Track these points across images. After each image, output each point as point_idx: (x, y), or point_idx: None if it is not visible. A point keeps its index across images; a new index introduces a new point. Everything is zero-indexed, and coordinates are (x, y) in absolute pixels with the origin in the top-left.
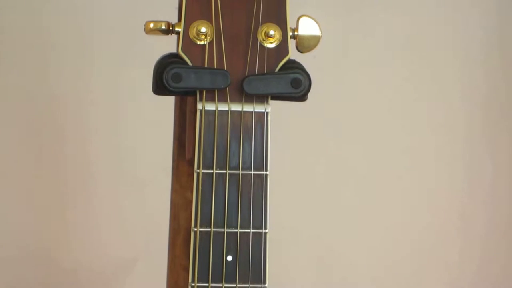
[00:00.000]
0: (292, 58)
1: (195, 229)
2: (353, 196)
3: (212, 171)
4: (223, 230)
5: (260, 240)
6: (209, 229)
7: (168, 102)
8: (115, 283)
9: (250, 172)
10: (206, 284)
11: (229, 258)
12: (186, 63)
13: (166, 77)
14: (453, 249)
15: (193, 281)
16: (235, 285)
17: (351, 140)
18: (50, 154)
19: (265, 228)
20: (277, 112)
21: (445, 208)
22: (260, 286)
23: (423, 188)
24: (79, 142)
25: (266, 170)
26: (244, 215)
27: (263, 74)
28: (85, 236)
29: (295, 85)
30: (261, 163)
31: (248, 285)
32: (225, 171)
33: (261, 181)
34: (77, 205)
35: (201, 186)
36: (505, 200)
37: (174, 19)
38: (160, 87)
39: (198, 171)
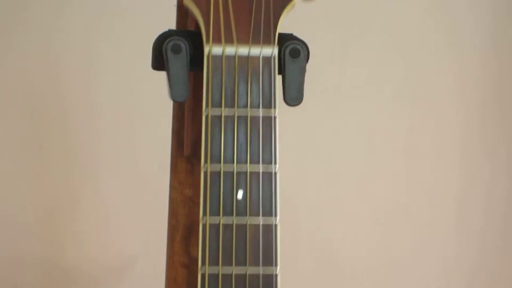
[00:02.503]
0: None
1: (205, 169)
2: (352, 195)
3: (220, 111)
4: (232, 169)
5: (270, 177)
6: (218, 169)
7: (167, 99)
8: (114, 280)
9: (259, 110)
10: (217, 220)
11: (240, 194)
12: (185, 36)
13: (166, 47)
14: (450, 247)
15: (204, 214)
16: (246, 221)
17: (350, 139)
18: (49, 153)
19: (275, 164)
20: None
21: (443, 207)
22: (271, 218)
23: (421, 187)
24: (78, 140)
25: (275, 108)
26: (253, 155)
27: None
28: (84, 234)
29: (293, 54)
30: (269, 103)
31: (259, 217)
32: (233, 111)
33: (269, 121)
34: (76, 203)
35: (210, 127)
36: (502, 199)
37: (174, 18)
38: (158, 61)
39: (207, 113)
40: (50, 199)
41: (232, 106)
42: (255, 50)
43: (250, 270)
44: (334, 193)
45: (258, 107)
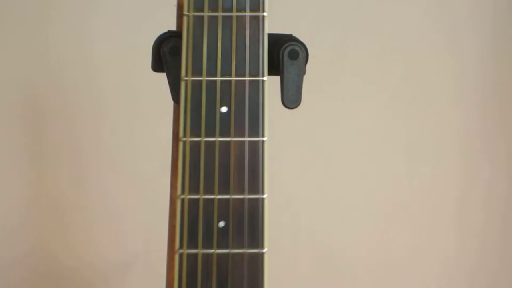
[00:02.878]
0: (290, 33)
1: (186, 78)
2: (352, 195)
3: (203, 13)
4: (215, 78)
5: (256, 89)
6: (201, 78)
7: (168, 100)
8: (115, 280)
9: (246, 13)
10: (199, 139)
11: (224, 109)
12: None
13: (164, 50)
14: (450, 247)
15: (184, 136)
16: (230, 139)
17: (349, 140)
18: (50, 153)
19: (263, 76)
20: (277, 113)
21: (443, 207)
22: (258, 139)
23: (421, 187)
24: (78, 140)
25: (263, 11)
26: (239, 62)
27: None
28: (85, 233)
29: (291, 56)
30: (257, 4)
31: (244, 139)
32: (217, 13)
33: (257, 23)
34: (77, 202)
35: (192, 31)
36: (502, 199)
37: (174, 17)
38: (158, 63)
39: (188, 14)
40: (51, 199)
41: (216, 8)
42: None
43: (234, 196)
44: (334, 193)
45: (245, 9)
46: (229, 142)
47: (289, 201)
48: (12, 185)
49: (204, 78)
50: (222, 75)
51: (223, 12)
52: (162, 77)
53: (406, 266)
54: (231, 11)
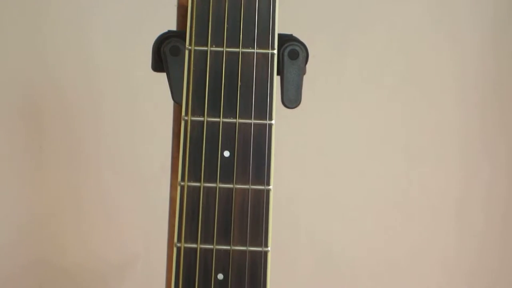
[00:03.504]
0: (290, 33)
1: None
2: (352, 195)
3: (206, 48)
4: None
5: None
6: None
7: (168, 99)
8: (114, 280)
9: (253, 50)
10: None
11: (226, 153)
12: (183, 37)
13: (164, 50)
14: (450, 247)
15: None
16: (232, 186)
17: (349, 140)
18: (50, 153)
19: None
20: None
21: (443, 207)
22: (263, 187)
23: (421, 187)
24: (79, 141)
25: (273, 48)
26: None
27: None
28: (85, 233)
29: (292, 56)
30: (266, 41)
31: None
32: (222, 49)
33: (266, 61)
34: (76, 203)
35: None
36: (502, 199)
37: (174, 17)
38: (158, 63)
39: (190, 48)
40: (51, 199)
41: (221, 43)
42: None
43: (235, 247)
44: (333, 193)
45: (253, 46)
46: (231, 189)
47: (289, 201)
48: (12, 185)
49: (205, 119)
50: (224, 118)
51: (227, 47)
52: (162, 77)
53: (406, 266)
54: (237, 46)
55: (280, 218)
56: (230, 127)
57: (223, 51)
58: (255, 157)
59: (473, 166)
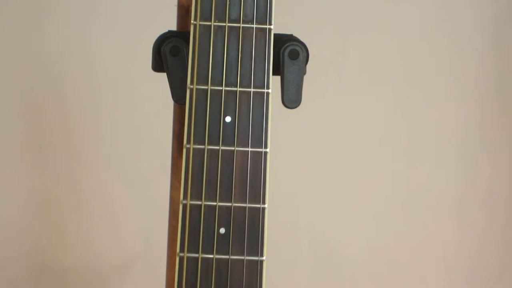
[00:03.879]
0: (290, 33)
1: (191, 86)
2: (352, 194)
3: (210, 23)
4: (221, 88)
5: (261, 101)
6: (206, 87)
7: (168, 100)
8: (114, 280)
9: (252, 25)
10: (203, 146)
11: (228, 119)
12: (183, 38)
13: (165, 50)
14: (451, 246)
15: (188, 142)
16: (233, 148)
17: (349, 140)
18: (49, 152)
19: (268, 88)
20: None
21: (443, 206)
22: (261, 150)
23: (421, 187)
24: (80, 140)
25: (270, 24)
26: (244, 73)
27: None
28: (85, 233)
29: (292, 56)
30: (264, 16)
31: (248, 149)
32: (224, 24)
33: (264, 36)
34: (76, 203)
35: (198, 40)
36: (502, 198)
37: (174, 17)
38: (158, 63)
39: (195, 23)
40: (51, 199)
41: (223, 19)
42: None
43: (235, 204)
44: (333, 193)
45: (252, 21)
46: (232, 151)
47: (289, 201)
48: (11, 185)
49: (209, 87)
50: (227, 85)
51: (230, 22)
52: (162, 77)
53: (406, 266)
54: (238, 22)
55: (280, 218)
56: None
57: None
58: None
59: (473, 166)
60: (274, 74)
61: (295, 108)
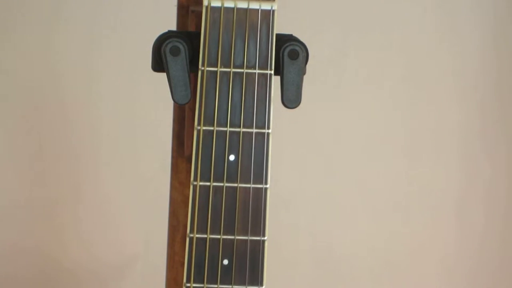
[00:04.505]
0: (290, 33)
1: (199, 127)
2: (352, 194)
3: (216, 69)
4: (225, 129)
5: (262, 140)
6: (212, 128)
7: (168, 100)
8: (115, 279)
9: (254, 71)
10: (208, 183)
11: (232, 157)
12: (183, 38)
13: (165, 50)
14: (450, 246)
15: (195, 179)
16: (236, 185)
17: (349, 139)
18: (50, 153)
19: (268, 128)
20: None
21: (443, 206)
22: (261, 186)
23: (421, 187)
24: (80, 140)
25: (271, 69)
26: (247, 115)
27: None
28: (84, 233)
29: (292, 56)
30: (265, 62)
31: (249, 185)
32: (229, 69)
33: (265, 80)
34: (76, 203)
35: (205, 85)
36: (502, 198)
37: (174, 17)
38: (158, 63)
39: (203, 68)
40: (51, 199)
41: (228, 65)
42: (254, 4)
43: (238, 237)
44: (333, 193)
45: (254, 66)
46: (235, 187)
47: (289, 201)
48: (11, 184)
49: (215, 128)
50: (231, 126)
51: (234, 68)
52: (162, 77)
53: (406, 266)
54: (242, 68)
55: (280, 218)
56: None
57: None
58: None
59: (473, 166)
60: (274, 74)
61: (294, 108)
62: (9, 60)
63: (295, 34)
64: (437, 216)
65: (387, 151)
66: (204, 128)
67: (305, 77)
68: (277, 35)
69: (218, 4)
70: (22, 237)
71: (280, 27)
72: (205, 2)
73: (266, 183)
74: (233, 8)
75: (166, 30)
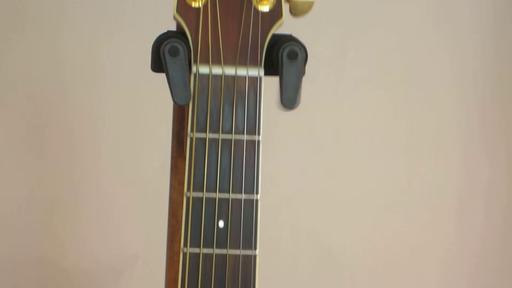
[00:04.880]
0: (289, 33)
1: (188, 194)
2: (352, 195)
3: (205, 135)
4: (215, 195)
5: (251, 206)
6: (201, 194)
7: (167, 100)
8: (115, 279)
9: (243, 137)
10: (198, 250)
11: (221, 223)
12: (182, 38)
13: (164, 50)
14: (451, 248)
15: (185, 245)
16: (226, 251)
17: (349, 139)
18: (50, 154)
19: (257, 194)
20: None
21: (443, 208)
22: (251, 252)
23: (421, 187)
24: (80, 140)
25: (259, 135)
26: (236, 181)
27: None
28: (86, 233)
29: (290, 56)
30: (253, 128)
31: (239, 252)
32: (218, 136)
33: (253, 146)
34: (77, 203)
35: (194, 151)
36: (502, 198)
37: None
38: (157, 64)
39: (192, 135)
40: (51, 199)
41: (217, 131)
42: (242, 71)
43: None
44: (333, 193)
45: (243, 132)
46: (225, 255)
47: (289, 201)
48: (11, 184)
49: (204, 195)
50: (220, 192)
51: (223, 134)
52: (162, 77)
53: (406, 266)
54: (230, 133)
55: (280, 218)
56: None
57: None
58: None
59: (473, 166)
60: (272, 74)
61: (292, 109)
62: (9, 60)
63: (295, 34)
64: (438, 216)
65: (387, 151)
66: (194, 195)
67: (304, 77)
68: (276, 35)
69: (206, 71)
70: (22, 237)
71: (280, 27)
72: (193, 69)
73: (255, 249)
74: (221, 75)
75: (165, 30)
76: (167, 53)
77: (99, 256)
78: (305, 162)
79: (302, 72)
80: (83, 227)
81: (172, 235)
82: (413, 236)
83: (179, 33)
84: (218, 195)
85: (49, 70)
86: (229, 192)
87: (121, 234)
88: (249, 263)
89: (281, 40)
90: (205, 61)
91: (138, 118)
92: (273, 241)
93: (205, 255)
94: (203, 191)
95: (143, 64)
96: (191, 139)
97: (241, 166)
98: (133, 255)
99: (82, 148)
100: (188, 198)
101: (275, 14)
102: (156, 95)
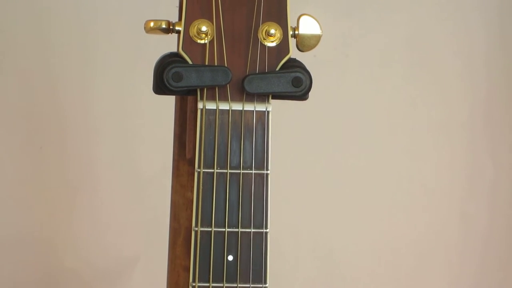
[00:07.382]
0: (292, 57)
1: (196, 228)
2: (354, 195)
3: (212, 170)
4: (223, 229)
5: (261, 240)
6: (209, 229)
7: (169, 102)
8: (115, 282)
9: (251, 171)
10: (207, 284)
11: (230, 258)
12: (186, 62)
13: (167, 76)
14: (454, 249)
15: (193, 280)
16: (236, 285)
17: (352, 140)
18: (52, 153)
19: (266, 228)
20: (278, 112)
21: (446, 208)
22: (261, 286)
23: (424, 188)
24: (80, 141)
25: (267, 169)
26: (245, 215)
27: (264, 73)
28: (86, 235)
29: (296, 84)
30: (261, 163)
31: (249, 285)
32: (226, 171)
33: (262, 180)
34: (78, 204)
35: (202, 186)
36: (506, 199)
37: (175, 18)
38: (160, 87)
39: (199, 170)
40: (51, 200)
41: (225, 166)
42: (249, 107)
43: None
44: (336, 193)
45: (251, 167)
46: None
47: (289, 201)
48: (11, 185)
49: (213, 229)
50: (229, 227)
51: (231, 169)
52: None
53: (409, 267)
54: (238, 169)
55: (280, 218)
56: None
57: None
58: None
59: (477, 166)
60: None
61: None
62: (9, 60)
63: None
64: (441, 216)
65: (390, 151)
66: (202, 229)
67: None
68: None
69: (213, 106)
70: (21, 237)
71: None
72: (200, 105)
73: (265, 282)
74: (228, 110)
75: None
76: (171, 79)
77: (99, 258)
78: (306, 162)
79: (304, 99)
80: (84, 230)
81: (174, 238)
82: (415, 237)
83: (181, 55)
84: (227, 229)
85: (49, 71)
86: (238, 227)
87: (122, 237)
88: None
89: (288, 65)
90: (212, 98)
91: (139, 120)
92: (273, 241)
93: None
94: (211, 226)
95: (144, 65)
96: (198, 173)
97: (250, 200)
98: (134, 257)
99: (82, 150)
100: (196, 232)
101: (282, 49)
102: (157, 98)
